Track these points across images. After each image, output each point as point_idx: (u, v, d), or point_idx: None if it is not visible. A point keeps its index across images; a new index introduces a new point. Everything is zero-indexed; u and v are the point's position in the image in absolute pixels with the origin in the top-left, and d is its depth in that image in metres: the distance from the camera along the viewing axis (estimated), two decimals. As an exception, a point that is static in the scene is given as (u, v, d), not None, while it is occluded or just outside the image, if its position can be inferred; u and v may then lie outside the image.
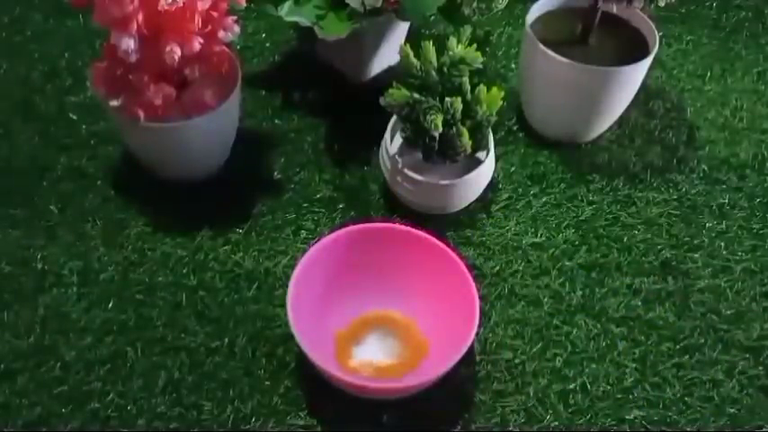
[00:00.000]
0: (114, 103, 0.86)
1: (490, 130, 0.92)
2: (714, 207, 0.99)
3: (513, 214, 0.97)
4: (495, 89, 0.87)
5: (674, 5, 1.22)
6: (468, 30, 0.88)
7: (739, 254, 0.94)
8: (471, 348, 0.81)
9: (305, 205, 0.96)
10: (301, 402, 0.79)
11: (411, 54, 0.87)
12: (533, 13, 1.01)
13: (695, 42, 1.20)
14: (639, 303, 0.89)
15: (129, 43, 0.79)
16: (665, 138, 1.07)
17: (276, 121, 1.06)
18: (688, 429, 0.80)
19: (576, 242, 0.94)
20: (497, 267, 0.91)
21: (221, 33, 0.85)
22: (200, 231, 0.93)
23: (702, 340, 0.86)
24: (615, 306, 0.88)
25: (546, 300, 0.89)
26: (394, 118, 0.94)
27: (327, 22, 0.91)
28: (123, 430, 0.77)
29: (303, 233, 0.93)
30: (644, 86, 1.03)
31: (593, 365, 0.84)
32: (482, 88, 0.87)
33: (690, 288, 0.90)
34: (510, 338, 0.85)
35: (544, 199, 0.99)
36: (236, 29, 0.86)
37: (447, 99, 0.86)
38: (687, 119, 1.09)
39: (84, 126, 1.03)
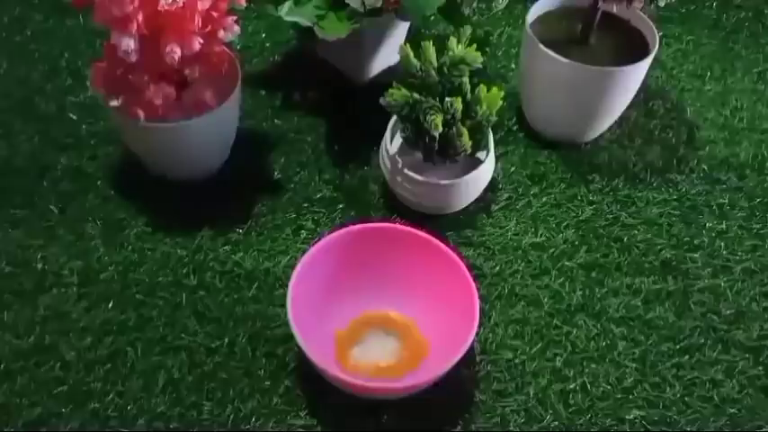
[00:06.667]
0: (114, 103, 0.86)
1: (490, 130, 0.92)
2: (714, 207, 0.99)
3: (513, 214, 0.97)
4: (495, 89, 0.87)
5: (674, 5, 1.22)
6: (468, 30, 0.88)
7: (739, 254, 0.94)
8: (471, 348, 0.81)
9: (305, 205, 0.96)
10: (301, 402, 0.79)
11: (411, 54, 0.87)
12: (533, 13, 1.01)
13: (695, 42, 1.20)
14: (639, 303, 0.89)
15: (129, 43, 0.79)
16: (665, 138, 1.07)
17: (276, 121, 1.06)
18: (688, 429, 0.80)
19: (576, 242, 0.94)
20: (497, 267, 0.91)
21: (221, 33, 0.85)
22: (200, 231, 0.93)
23: (702, 340, 0.86)
24: (615, 306, 0.88)
25: (546, 300, 0.89)
26: (394, 118, 0.94)
27: (327, 22, 0.91)
28: (123, 430, 0.77)
29: (303, 233, 0.93)
30: (644, 86, 1.03)
31: (593, 365, 0.84)
32: (482, 88, 0.87)
33: (690, 288, 0.90)
34: (510, 338, 0.85)
35: (544, 199, 0.99)
36: (236, 29, 0.86)
37: (447, 99, 0.86)
38: (687, 119, 1.09)
39: (84, 126, 1.03)
